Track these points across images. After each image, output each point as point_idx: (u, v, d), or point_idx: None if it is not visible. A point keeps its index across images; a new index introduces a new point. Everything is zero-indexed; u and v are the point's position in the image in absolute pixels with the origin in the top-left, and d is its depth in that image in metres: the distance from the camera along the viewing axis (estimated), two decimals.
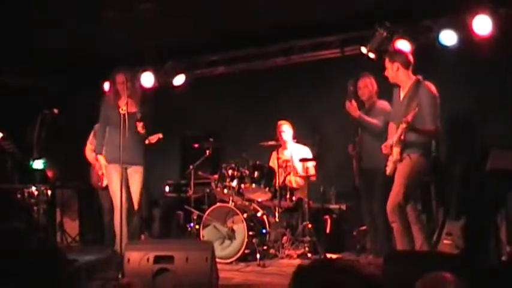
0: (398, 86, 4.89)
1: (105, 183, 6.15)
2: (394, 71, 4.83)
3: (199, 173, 6.88)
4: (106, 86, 6.41)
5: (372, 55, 6.09)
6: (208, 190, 6.71)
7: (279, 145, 6.33)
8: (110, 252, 5.93)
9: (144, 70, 7.10)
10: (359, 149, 5.54)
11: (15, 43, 6.76)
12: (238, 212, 5.82)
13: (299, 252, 5.96)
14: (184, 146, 8.06)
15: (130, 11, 5.73)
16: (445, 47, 5.86)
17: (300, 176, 6.41)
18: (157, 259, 4.07)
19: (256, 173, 6.05)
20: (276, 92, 7.33)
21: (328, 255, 5.78)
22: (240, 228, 5.78)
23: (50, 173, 6.70)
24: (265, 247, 5.90)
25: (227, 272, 5.07)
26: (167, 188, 7.42)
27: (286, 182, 6.28)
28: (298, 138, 6.58)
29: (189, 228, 6.60)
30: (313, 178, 6.38)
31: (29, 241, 1.71)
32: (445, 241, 5.30)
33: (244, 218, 5.77)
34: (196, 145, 6.79)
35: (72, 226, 7.47)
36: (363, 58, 6.16)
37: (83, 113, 6.86)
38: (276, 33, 6.70)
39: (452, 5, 5.52)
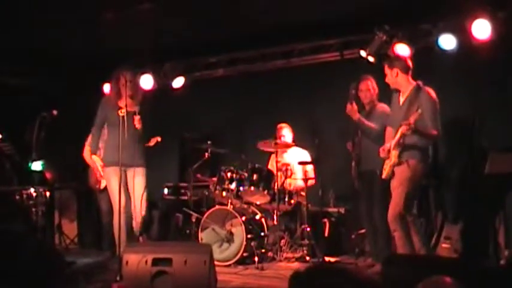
0: (398, 91, 4.91)
1: (103, 185, 6.15)
2: (393, 77, 4.85)
3: (198, 175, 6.87)
4: (106, 87, 6.41)
5: (371, 59, 6.10)
6: (207, 193, 6.71)
7: (277, 148, 6.33)
8: (108, 254, 5.93)
9: (144, 72, 7.09)
10: (358, 152, 5.54)
11: (15, 43, 6.75)
12: (236, 214, 5.82)
13: (297, 255, 5.96)
14: (183, 148, 8.05)
15: (130, 11, 5.73)
16: (444, 51, 5.87)
17: (299, 179, 6.40)
18: (156, 261, 4.07)
19: (255, 176, 6.05)
20: (276, 95, 7.34)
21: (327, 259, 5.79)
22: (239, 231, 5.78)
23: (48, 175, 6.67)
24: (263, 250, 5.89)
25: (225, 275, 5.07)
26: (166, 191, 7.40)
27: (285, 185, 6.28)
28: (298, 141, 6.57)
29: (188, 231, 6.59)
30: (312, 181, 6.38)
31: (27, 243, 1.71)
32: (443, 245, 5.30)
33: (243, 221, 5.77)
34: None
35: (70, 228, 7.45)
36: (362, 61, 6.16)
37: (82, 114, 6.84)
38: (276, 35, 6.71)
39: (451, 9, 5.53)
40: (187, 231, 6.60)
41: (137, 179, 5.25)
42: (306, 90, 7.19)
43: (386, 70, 4.91)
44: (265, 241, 6.04)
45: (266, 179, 6.10)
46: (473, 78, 5.83)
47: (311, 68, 7.03)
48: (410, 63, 4.90)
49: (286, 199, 6.20)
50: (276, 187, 6.04)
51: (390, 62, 4.95)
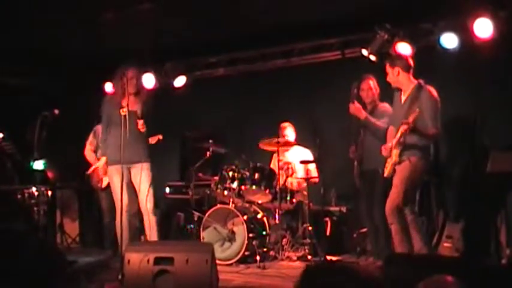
0: (400, 90, 4.91)
1: (104, 184, 6.15)
2: (395, 76, 4.86)
3: (200, 174, 6.87)
4: (107, 86, 6.40)
5: (372, 57, 6.09)
6: (208, 192, 6.71)
7: (279, 147, 6.32)
8: (110, 253, 5.93)
9: (145, 71, 7.09)
10: (361, 151, 5.54)
11: (15, 43, 6.76)
12: (238, 213, 5.82)
13: (299, 254, 5.96)
14: (184, 147, 8.06)
15: (130, 11, 5.73)
16: (445, 50, 5.86)
17: (302, 178, 6.40)
18: (158, 260, 4.07)
19: (256, 175, 6.05)
20: (276, 94, 7.34)
21: (328, 258, 5.78)
22: (240, 230, 5.78)
23: (50, 174, 6.69)
24: (265, 249, 5.89)
25: (227, 274, 5.07)
26: (167, 190, 7.41)
27: (286, 184, 6.28)
28: (299, 140, 6.57)
29: (189, 230, 6.59)
30: (316, 180, 6.38)
31: (29, 242, 1.71)
32: (445, 244, 5.30)
33: (245, 220, 5.77)
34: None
35: (72, 227, 7.46)
36: (363, 61, 6.16)
37: (83, 114, 6.86)
38: (276, 35, 6.71)
39: (453, 8, 5.52)
40: (189, 230, 6.60)
41: (142, 175, 5.23)
42: (306, 89, 7.18)
43: (388, 69, 4.92)
44: (267, 240, 6.04)
45: (268, 177, 6.10)
46: (475, 77, 5.82)
47: (311, 67, 7.03)
48: (411, 62, 4.91)
49: (288, 198, 6.20)
50: (277, 186, 6.04)
51: (391, 60, 4.96)
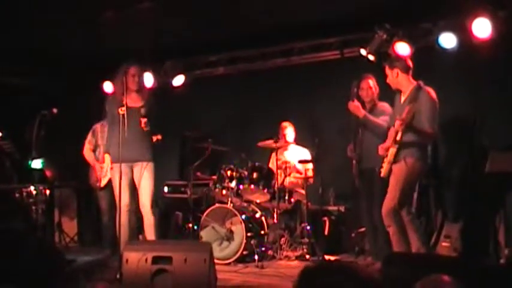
0: (400, 91, 4.91)
1: (103, 183, 6.15)
2: (394, 77, 4.87)
3: (198, 173, 6.87)
4: (106, 86, 6.39)
5: (371, 57, 6.09)
6: (207, 191, 6.71)
7: (279, 147, 6.32)
8: (108, 252, 5.93)
9: (144, 70, 7.08)
10: (359, 150, 5.54)
11: (15, 43, 6.75)
12: (236, 213, 5.82)
13: (297, 253, 5.97)
14: (184, 146, 8.05)
15: (130, 11, 5.73)
16: (444, 50, 5.86)
17: (298, 177, 6.41)
18: (156, 260, 4.07)
19: (255, 174, 6.06)
20: (276, 93, 7.34)
21: (327, 257, 5.79)
22: (239, 230, 5.78)
23: (48, 173, 6.69)
24: (263, 248, 5.90)
25: (225, 273, 5.08)
26: (166, 189, 7.41)
27: (285, 183, 6.28)
28: (298, 139, 6.58)
29: (188, 229, 6.59)
30: (311, 180, 6.38)
31: (28, 241, 1.72)
32: (443, 244, 5.30)
33: (243, 219, 5.77)
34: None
35: (70, 226, 7.46)
36: (362, 60, 6.16)
37: (82, 113, 6.86)
38: (276, 34, 6.71)
39: (452, 8, 5.52)
40: (187, 229, 6.60)
41: (144, 174, 5.21)
42: (306, 88, 7.19)
43: (387, 71, 4.93)
44: (265, 239, 6.05)
45: (266, 177, 6.10)
46: (473, 77, 5.82)
47: (311, 66, 7.03)
48: (410, 63, 4.91)
49: (286, 197, 6.20)
50: (276, 185, 6.04)
51: (390, 62, 4.96)
